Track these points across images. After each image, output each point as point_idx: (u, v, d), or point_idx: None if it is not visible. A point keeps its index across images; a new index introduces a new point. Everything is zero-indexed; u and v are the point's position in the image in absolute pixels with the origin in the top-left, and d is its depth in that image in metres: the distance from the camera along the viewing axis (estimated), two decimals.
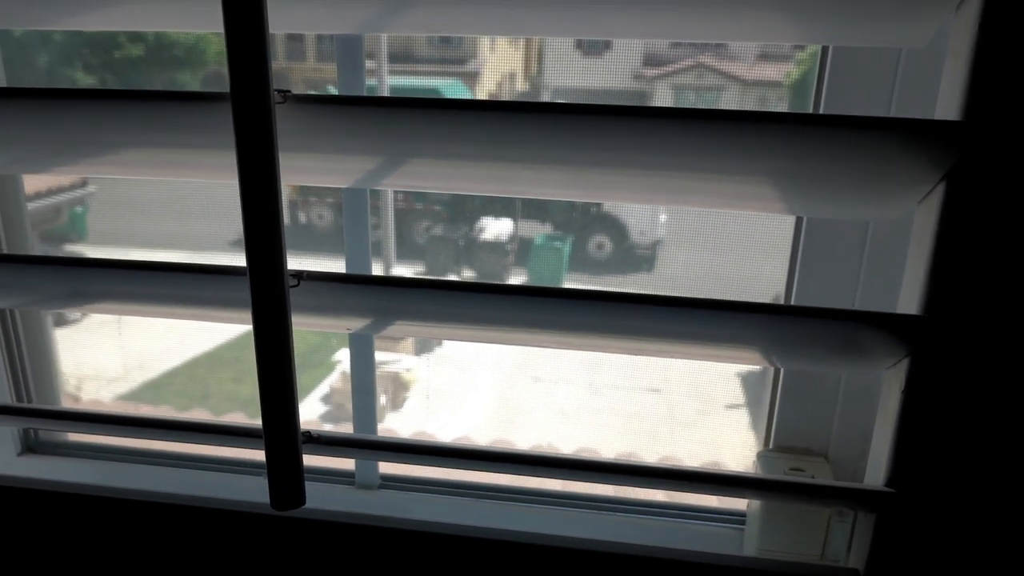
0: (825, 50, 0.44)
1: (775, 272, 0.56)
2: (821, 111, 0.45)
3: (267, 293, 0.39)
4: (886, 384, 0.41)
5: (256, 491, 0.56)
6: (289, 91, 0.38)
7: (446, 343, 2.14)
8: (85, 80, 0.78)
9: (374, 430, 0.64)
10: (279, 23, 0.41)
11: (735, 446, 1.01)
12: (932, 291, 0.37)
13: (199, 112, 0.39)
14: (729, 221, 0.91)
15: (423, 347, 2.04)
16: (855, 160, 0.37)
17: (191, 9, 0.42)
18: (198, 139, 0.42)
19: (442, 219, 2.22)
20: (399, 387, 1.89)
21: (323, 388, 2.06)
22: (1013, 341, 0.37)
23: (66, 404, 0.72)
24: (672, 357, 0.45)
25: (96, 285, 0.47)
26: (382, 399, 1.87)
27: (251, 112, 0.36)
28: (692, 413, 1.33)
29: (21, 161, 0.48)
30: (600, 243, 1.51)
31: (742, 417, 0.99)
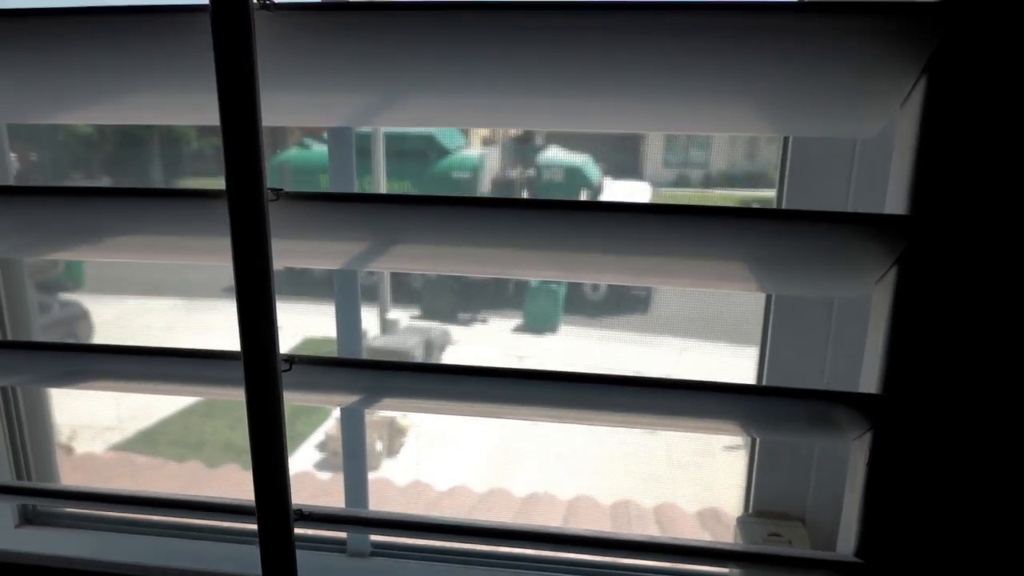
0: (786, 144, 0.47)
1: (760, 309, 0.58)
2: (784, 202, 0.49)
3: (260, 379, 0.42)
4: (853, 455, 0.43)
5: (253, 560, 0.58)
6: (282, 189, 0.41)
7: None
8: None
9: (365, 485, 0.66)
10: (272, 116, 0.44)
11: (734, 487, 1.02)
12: (890, 369, 0.39)
13: (197, 208, 0.42)
14: None
15: None
16: (817, 246, 0.40)
17: (190, 105, 0.45)
18: (196, 231, 0.44)
19: None
20: (395, 432, 1.90)
21: (318, 435, 2.07)
22: (967, 412, 0.39)
23: (60, 455, 0.73)
24: (659, 429, 0.47)
25: (94, 365, 0.49)
26: (378, 445, 1.88)
27: (245, 210, 0.39)
28: (691, 455, 1.34)
29: (23, 247, 0.50)
30: (595, 284, 1.54)
31: (741, 458, 1.01)
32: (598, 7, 0.36)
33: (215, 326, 2.18)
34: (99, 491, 0.51)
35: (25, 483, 0.56)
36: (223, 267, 0.42)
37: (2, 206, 0.46)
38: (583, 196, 2.22)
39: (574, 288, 1.86)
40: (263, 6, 0.38)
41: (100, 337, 2.21)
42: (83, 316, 2.23)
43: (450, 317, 1.97)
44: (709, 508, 1.18)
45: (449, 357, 1.99)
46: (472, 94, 0.42)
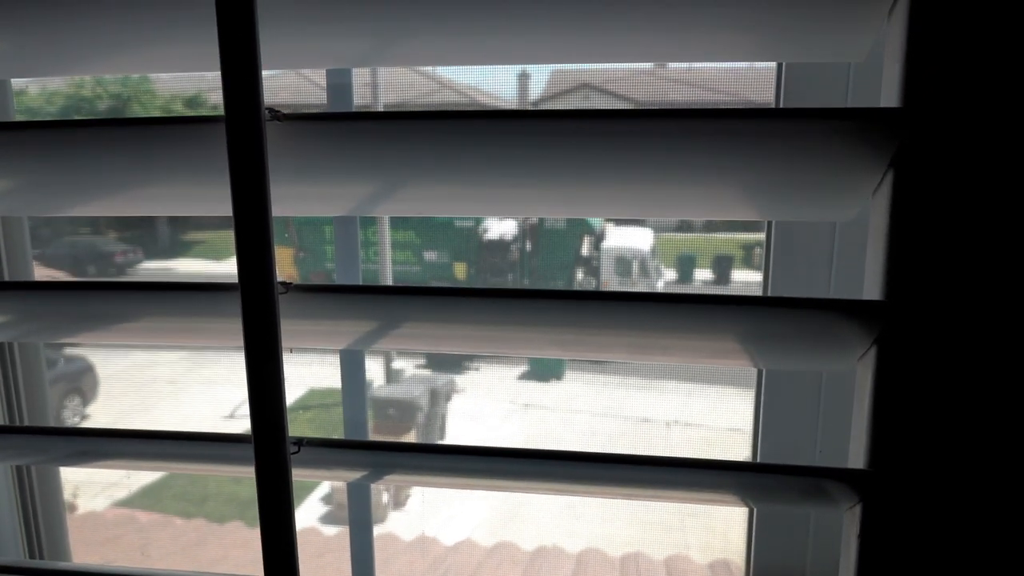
0: (769, 225, 0.50)
1: None
2: (770, 275, 0.52)
3: (270, 462, 0.44)
4: (846, 526, 0.45)
5: None
6: (291, 283, 0.44)
7: (449, 434, 2.15)
8: None
9: (370, 545, 0.67)
10: (281, 208, 0.47)
11: (744, 535, 1.03)
12: (875, 443, 0.41)
13: (210, 299, 0.45)
14: None
15: (426, 440, 2.05)
16: (803, 327, 0.42)
17: (206, 199, 0.48)
18: (209, 318, 0.47)
19: None
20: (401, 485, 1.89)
21: (324, 487, 2.07)
22: (954, 482, 0.41)
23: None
24: (660, 501, 0.48)
25: (108, 447, 0.51)
26: (384, 497, 1.88)
27: (257, 304, 0.42)
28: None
29: (39, 332, 0.53)
30: None
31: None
32: (589, 115, 0.40)
33: (218, 380, 2.20)
34: (109, 570, 0.52)
35: (37, 563, 0.58)
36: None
37: (22, 296, 0.49)
38: (585, 242, 2.26)
39: None
40: (274, 117, 0.41)
41: (105, 390, 2.23)
42: (88, 370, 2.25)
43: (455, 366, 1.99)
44: (720, 560, 1.18)
45: (455, 406, 2.00)
46: (465, 187, 0.45)
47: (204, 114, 0.43)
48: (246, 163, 0.40)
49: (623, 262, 2.21)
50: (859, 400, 0.43)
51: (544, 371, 1.97)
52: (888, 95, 0.40)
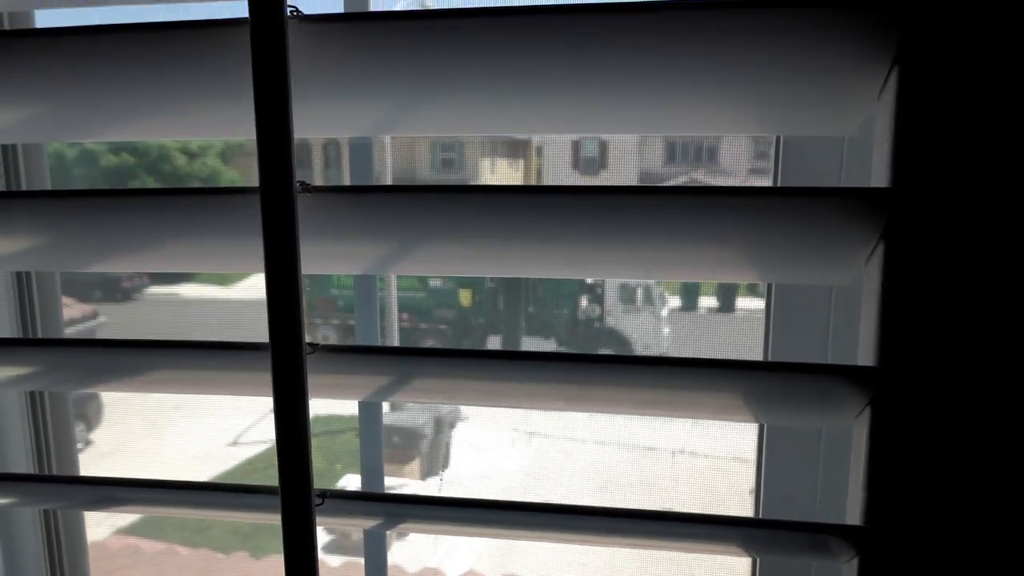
0: (770, 288, 0.54)
1: None
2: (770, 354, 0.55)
3: (295, 514, 0.47)
4: (845, 574, 0.47)
5: None
6: (319, 344, 0.47)
7: (452, 466, 2.17)
8: None
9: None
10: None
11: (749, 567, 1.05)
12: (871, 500, 0.44)
13: (240, 359, 0.48)
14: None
15: (429, 471, 2.08)
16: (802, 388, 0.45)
17: (225, 116, 0.51)
18: (237, 371, 0.50)
19: (446, 338, 2.28)
20: None
21: None
22: (946, 543, 0.44)
23: None
24: (665, 550, 0.51)
25: (125, 493, 0.54)
26: None
27: (286, 364, 0.45)
28: None
29: (70, 381, 0.56)
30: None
31: None
32: (603, 191, 0.43)
33: (222, 406, 2.22)
34: None
35: None
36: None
37: (58, 352, 0.52)
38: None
39: None
40: (304, 189, 0.44)
41: (108, 414, 2.25)
42: (92, 396, 2.27)
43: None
44: None
45: (459, 434, 2.02)
46: (484, 100, 0.48)
47: (241, 185, 0.46)
48: (278, 233, 0.44)
49: (627, 289, 2.24)
50: (855, 458, 0.45)
51: None
52: (878, 173, 0.43)
